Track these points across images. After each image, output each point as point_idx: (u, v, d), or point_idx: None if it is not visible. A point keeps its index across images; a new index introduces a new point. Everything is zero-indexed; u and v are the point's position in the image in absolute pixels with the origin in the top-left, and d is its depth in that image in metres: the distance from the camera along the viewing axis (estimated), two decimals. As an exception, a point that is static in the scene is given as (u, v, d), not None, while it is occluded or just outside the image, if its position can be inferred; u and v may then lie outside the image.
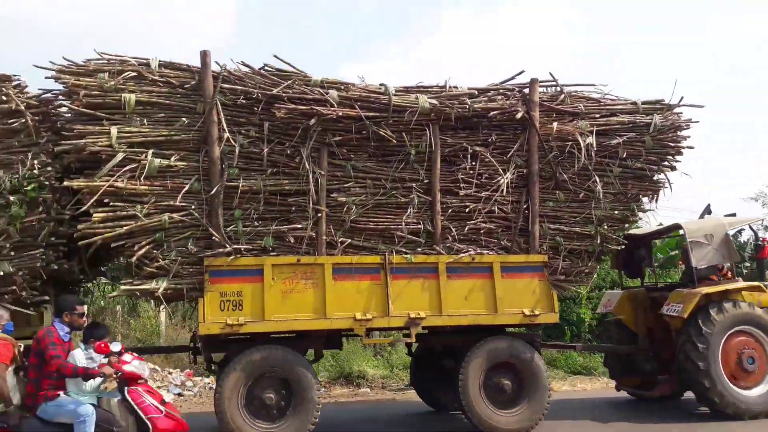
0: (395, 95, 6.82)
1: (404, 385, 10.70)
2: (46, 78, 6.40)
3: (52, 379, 5.00)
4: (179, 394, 10.39)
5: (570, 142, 7.36)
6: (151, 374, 10.79)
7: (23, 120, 6.15)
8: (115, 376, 5.03)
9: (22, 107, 6.16)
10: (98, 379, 5.02)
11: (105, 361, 5.19)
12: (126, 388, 5.27)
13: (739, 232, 16.33)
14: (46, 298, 6.41)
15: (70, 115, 6.35)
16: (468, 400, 6.78)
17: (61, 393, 5.01)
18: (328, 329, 6.73)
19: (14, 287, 6.05)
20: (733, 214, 8.73)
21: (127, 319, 12.94)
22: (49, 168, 6.12)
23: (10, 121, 6.16)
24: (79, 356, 5.16)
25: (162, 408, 5.35)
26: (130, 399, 5.25)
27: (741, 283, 8.13)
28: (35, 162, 6.07)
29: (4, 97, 6.14)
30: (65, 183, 6.04)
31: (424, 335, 7.12)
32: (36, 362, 5.04)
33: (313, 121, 6.53)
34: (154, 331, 12.47)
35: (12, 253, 6.05)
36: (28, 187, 5.99)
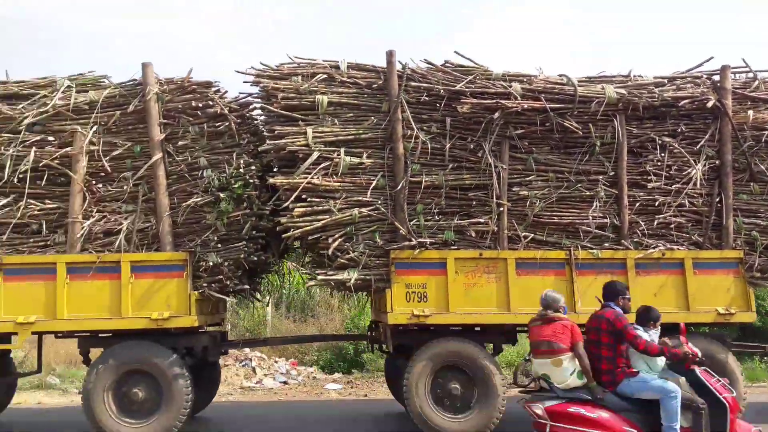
0: (580, 86, 6.65)
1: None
2: (244, 82, 6.89)
3: (623, 357, 5.29)
4: (284, 383, 10.87)
5: (766, 131, 6.84)
6: (258, 362, 11.41)
7: (227, 123, 6.63)
8: (692, 355, 5.14)
9: (226, 111, 6.63)
10: (663, 358, 5.20)
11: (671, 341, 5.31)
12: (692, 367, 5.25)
13: None
14: (246, 286, 6.89)
15: (266, 116, 6.74)
16: None
17: (641, 371, 5.23)
18: (511, 323, 6.73)
19: (221, 277, 6.56)
20: None
21: (236, 309, 13.43)
22: (253, 167, 6.56)
23: (217, 124, 6.64)
24: (645, 336, 5.28)
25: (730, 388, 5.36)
26: (702, 378, 5.23)
27: None
28: (240, 161, 6.53)
29: (210, 102, 6.63)
30: (270, 180, 6.45)
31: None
32: (608, 341, 5.25)
33: (496, 114, 6.53)
34: (261, 321, 13.03)
35: (219, 245, 6.57)
36: (236, 185, 6.46)
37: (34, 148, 6.45)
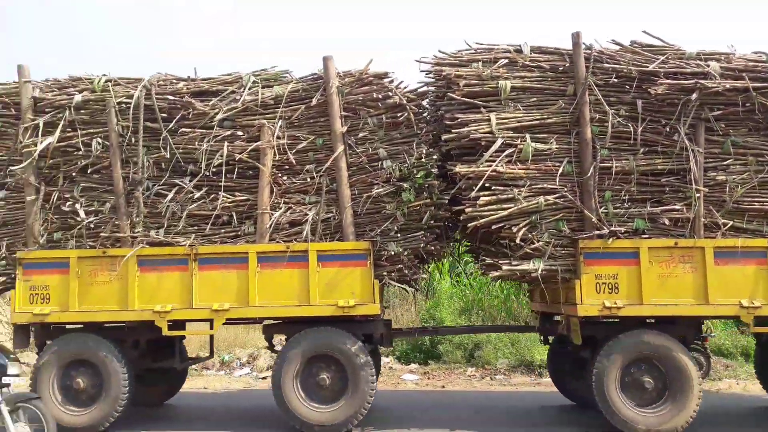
0: (787, 60, 6.19)
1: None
2: (421, 71, 6.88)
3: None
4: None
5: None
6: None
7: (405, 113, 6.64)
8: None
9: (404, 101, 6.65)
10: None
11: None
12: None
13: None
14: (424, 275, 6.91)
15: (446, 105, 6.69)
16: None
17: None
18: (710, 315, 6.40)
19: (401, 266, 6.61)
20: None
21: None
22: (434, 156, 6.55)
23: (395, 115, 6.67)
24: None
25: None
26: None
27: None
28: (421, 151, 6.53)
29: (389, 93, 6.67)
30: (455, 169, 6.41)
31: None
32: None
33: (694, 95, 6.18)
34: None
35: (398, 235, 6.61)
36: (418, 175, 6.47)
37: (226, 143, 6.71)
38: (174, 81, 6.96)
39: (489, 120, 6.39)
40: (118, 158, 6.79)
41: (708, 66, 6.24)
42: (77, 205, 6.81)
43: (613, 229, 6.30)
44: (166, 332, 6.64)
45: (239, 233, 6.77)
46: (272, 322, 7.15)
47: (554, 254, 6.40)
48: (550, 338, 8.04)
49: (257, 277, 6.60)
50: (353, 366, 6.49)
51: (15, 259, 6.82)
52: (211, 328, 6.71)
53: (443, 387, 9.85)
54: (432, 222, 6.65)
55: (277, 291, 6.61)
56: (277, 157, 6.76)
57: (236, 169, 6.78)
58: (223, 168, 6.70)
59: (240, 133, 6.80)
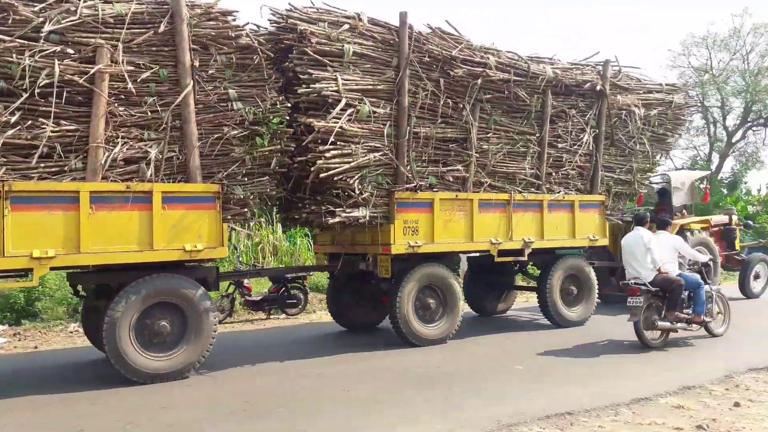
0: (531, 63, 8.56)
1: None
2: (269, 19, 7.01)
3: None
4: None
5: (623, 111, 9.78)
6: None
7: (257, 57, 6.76)
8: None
9: (256, 44, 6.74)
10: None
11: None
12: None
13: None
14: (261, 220, 7.25)
15: (297, 58, 7.02)
16: None
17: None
18: (473, 250, 8.56)
19: (246, 210, 6.86)
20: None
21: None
22: (288, 104, 6.89)
23: (249, 57, 6.71)
24: None
25: None
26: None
27: (695, 219, 11.57)
28: (277, 98, 6.79)
29: (242, 33, 6.65)
30: (315, 123, 6.88)
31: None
32: None
33: (479, 80, 8.04)
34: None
35: (245, 179, 6.81)
36: (274, 120, 6.74)
37: (56, 61, 5.68)
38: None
39: (336, 80, 7.05)
40: None
41: (488, 58, 8.15)
42: None
43: (420, 183, 7.80)
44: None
45: (64, 169, 5.90)
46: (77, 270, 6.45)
47: (376, 203, 7.57)
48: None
49: (90, 220, 5.93)
50: (197, 312, 6.52)
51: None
52: (30, 278, 5.76)
53: (36, 348, 8.80)
54: (277, 168, 7.01)
55: (114, 235, 6.08)
56: (113, 86, 6.06)
57: (64, 94, 5.82)
58: (53, 90, 5.69)
59: (71, 51, 5.83)
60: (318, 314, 11.42)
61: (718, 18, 50.84)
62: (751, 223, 14.86)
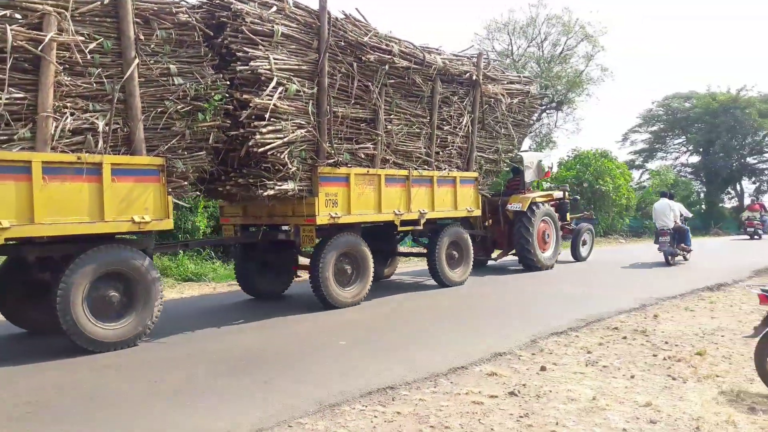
0: (425, 53, 9.74)
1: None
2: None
3: None
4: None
5: (492, 99, 11.43)
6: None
7: (194, 33, 7.06)
8: None
9: (194, 21, 7.04)
10: None
11: None
12: None
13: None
14: (198, 193, 7.55)
15: (231, 36, 7.40)
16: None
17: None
18: (381, 221, 9.53)
19: (186, 183, 7.15)
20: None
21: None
22: (227, 81, 7.26)
23: (187, 34, 6.98)
24: None
25: None
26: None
27: (541, 193, 13.78)
28: (217, 75, 7.14)
29: (181, 9, 6.90)
30: (246, 97, 7.32)
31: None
32: None
33: (386, 66, 9.03)
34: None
35: (185, 152, 7.10)
36: (216, 97, 7.09)
37: (8, 26, 5.55)
38: None
39: (268, 59, 7.58)
40: None
41: (392, 46, 9.16)
42: None
43: (340, 159, 8.59)
44: None
45: (14, 138, 5.79)
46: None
47: (301, 177, 8.21)
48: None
49: (42, 191, 5.90)
50: (145, 282, 6.71)
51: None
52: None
53: None
54: (214, 143, 7.36)
55: (67, 207, 6.09)
56: (60, 55, 6.04)
57: (10, 60, 5.70)
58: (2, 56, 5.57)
59: (18, 16, 5.72)
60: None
61: (517, 6, 56.78)
62: (578, 198, 17.84)
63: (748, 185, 39.67)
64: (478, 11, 59.93)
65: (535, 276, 12.47)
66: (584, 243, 15.69)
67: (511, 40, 29.94)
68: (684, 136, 39.75)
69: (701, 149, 38.70)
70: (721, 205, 38.13)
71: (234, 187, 8.09)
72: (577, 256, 15.35)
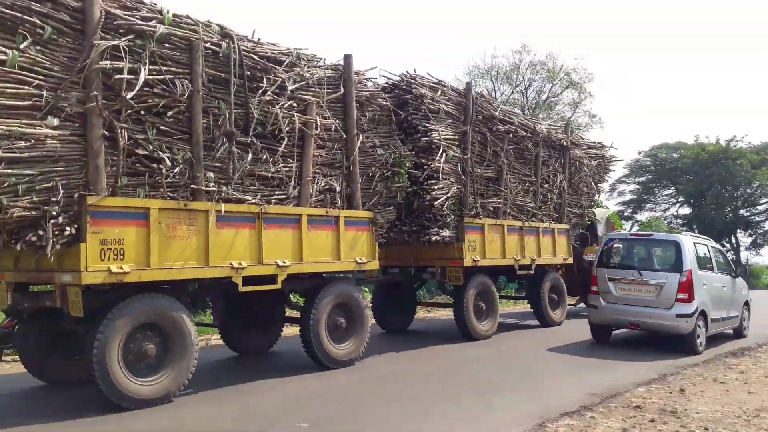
0: (534, 122, 12.07)
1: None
2: (387, 82, 9.55)
3: None
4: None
5: (576, 161, 13.72)
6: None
7: (390, 114, 9.26)
8: None
9: (389, 104, 9.25)
10: None
11: None
12: None
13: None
14: (384, 239, 9.55)
15: (412, 113, 9.63)
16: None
17: None
18: (501, 265, 11.58)
19: (382, 231, 9.18)
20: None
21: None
22: (413, 151, 9.43)
23: (384, 114, 9.16)
24: None
25: None
26: None
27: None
28: (401, 145, 9.31)
29: (381, 94, 9.11)
30: (426, 162, 9.48)
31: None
32: None
33: (510, 135, 11.31)
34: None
35: (381, 207, 9.15)
36: (407, 164, 9.24)
37: (295, 113, 7.69)
38: (249, 39, 7.34)
39: (438, 131, 9.79)
40: (200, 106, 6.76)
41: (513, 119, 11.47)
42: (161, 151, 6.41)
43: (478, 211, 10.69)
44: (241, 288, 7.09)
45: (289, 196, 7.81)
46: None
47: (453, 226, 10.29)
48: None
49: (307, 237, 7.88)
50: (360, 309, 8.61)
51: (80, 205, 5.83)
52: (275, 283, 7.51)
53: None
54: (399, 200, 9.45)
55: (319, 249, 8.06)
56: (314, 132, 8.15)
57: (288, 137, 7.77)
58: (294, 135, 7.71)
59: (295, 104, 7.85)
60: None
61: (499, 52, 55.45)
62: None
63: (743, 238, 40.70)
64: (458, 55, 63.08)
65: (541, 333, 12.08)
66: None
67: (494, 86, 30.66)
68: (673, 187, 40.80)
69: (692, 200, 39.74)
70: (716, 258, 38.72)
71: (405, 234, 10.10)
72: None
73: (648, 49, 78.39)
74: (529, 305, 13.15)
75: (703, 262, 10.36)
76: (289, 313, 9.68)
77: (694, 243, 10.37)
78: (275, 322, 9.58)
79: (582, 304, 15.82)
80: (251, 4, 67.54)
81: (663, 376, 7.82)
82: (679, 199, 41.78)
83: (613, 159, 15.11)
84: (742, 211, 39.76)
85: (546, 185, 12.79)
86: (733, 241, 40.33)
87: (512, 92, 31.11)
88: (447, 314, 15.34)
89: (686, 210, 41.72)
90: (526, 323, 13.42)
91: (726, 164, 36.35)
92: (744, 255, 39.92)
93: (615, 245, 10.67)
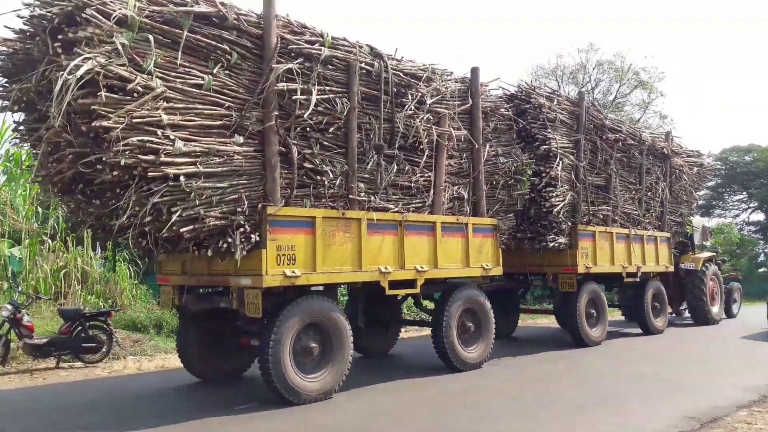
0: (640, 131, 12.24)
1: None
2: (506, 92, 9.95)
3: None
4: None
5: (678, 169, 13.79)
6: None
7: (511, 123, 9.65)
8: None
9: (511, 113, 9.64)
10: None
11: None
12: None
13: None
14: (503, 246, 9.93)
15: (530, 121, 10.00)
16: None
17: None
18: (613, 272, 11.79)
19: (504, 237, 9.55)
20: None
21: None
22: (533, 159, 9.80)
23: (507, 124, 9.57)
24: None
25: None
26: None
27: (709, 254, 15.85)
28: (521, 153, 9.68)
29: (504, 105, 9.52)
30: (544, 169, 9.83)
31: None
32: None
33: (620, 143, 11.53)
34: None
35: (503, 215, 9.54)
36: (528, 172, 9.61)
37: (433, 126, 8.19)
38: (392, 57, 7.88)
39: (555, 139, 10.12)
40: (355, 122, 7.31)
41: (621, 127, 11.68)
42: (324, 164, 6.99)
43: (590, 218, 10.95)
44: (388, 291, 7.61)
45: (425, 205, 8.29)
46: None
47: (567, 233, 10.58)
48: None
49: (440, 244, 8.34)
50: (486, 313, 9.01)
51: (261, 214, 6.45)
52: (414, 287, 8.00)
53: None
54: (519, 207, 9.81)
55: (451, 255, 8.51)
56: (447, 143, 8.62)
57: (423, 148, 8.25)
58: (433, 146, 8.19)
59: (430, 117, 8.34)
60: (124, 362, 9.78)
61: (565, 51, 52.08)
62: (726, 259, 19.81)
63: None
64: (523, 56, 62.34)
65: (626, 345, 11.48)
66: (734, 301, 17.56)
67: (559, 85, 29.75)
68: (745, 192, 39.64)
69: (766, 206, 38.70)
70: (788, 267, 37.23)
71: (525, 241, 10.45)
72: (729, 314, 17.14)
73: (718, 45, 76.03)
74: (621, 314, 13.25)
75: None
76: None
77: None
78: (396, 323, 10.09)
79: (686, 313, 15.71)
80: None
81: (764, 398, 7.07)
82: (751, 205, 40.56)
83: (712, 167, 15.05)
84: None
85: (649, 193, 12.91)
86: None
87: (578, 92, 30.24)
88: (538, 322, 15.64)
89: (759, 216, 40.53)
90: (626, 331, 13.54)
91: (801, 168, 34.95)
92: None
93: None
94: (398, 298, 9.30)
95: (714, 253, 16.63)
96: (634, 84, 29.99)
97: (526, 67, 57.05)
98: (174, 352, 9.37)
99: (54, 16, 5.62)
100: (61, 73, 5.18)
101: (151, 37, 5.76)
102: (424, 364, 9.07)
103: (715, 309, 15.40)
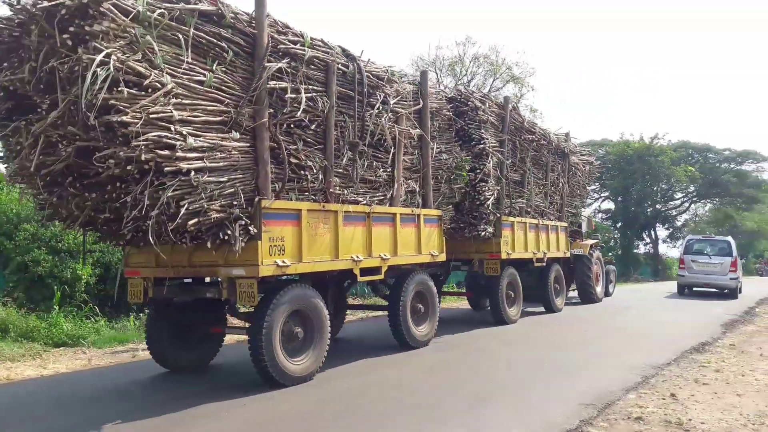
0: (549, 133, 13.51)
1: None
2: (449, 96, 10.68)
3: None
4: None
5: (574, 167, 15.31)
6: None
7: (452, 123, 10.42)
8: None
9: (452, 114, 10.41)
10: None
11: None
12: None
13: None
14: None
15: (467, 123, 10.78)
16: None
17: None
18: (531, 258, 12.96)
19: (445, 227, 10.33)
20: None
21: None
22: (469, 155, 10.62)
23: (448, 124, 10.31)
24: None
25: None
26: None
27: (593, 241, 17.69)
28: (463, 151, 10.48)
29: (446, 107, 10.25)
30: (478, 166, 10.69)
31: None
32: None
33: (535, 143, 12.69)
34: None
35: (443, 207, 10.31)
36: (467, 167, 10.42)
37: (395, 125, 8.71)
38: (360, 59, 8.27)
39: (488, 139, 11.03)
40: (333, 120, 7.68)
41: (535, 129, 12.84)
42: (308, 160, 7.32)
43: (512, 209, 12.02)
44: (359, 279, 8.10)
45: (387, 197, 8.82)
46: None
47: (494, 223, 11.56)
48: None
49: (399, 233, 8.93)
50: (433, 297, 9.75)
51: (255, 207, 6.68)
52: (379, 273, 8.53)
53: None
54: (458, 200, 10.61)
55: (406, 244, 9.13)
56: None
57: (388, 146, 8.78)
58: (396, 143, 8.72)
59: (391, 116, 8.86)
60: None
61: (444, 43, 54.20)
62: (603, 246, 22.11)
63: (662, 231, 43.57)
64: (402, 47, 63.85)
65: (502, 331, 11.48)
66: (611, 282, 19.67)
67: (438, 77, 30.52)
68: (597, 183, 41.53)
69: (619, 196, 41.65)
70: (635, 251, 41.11)
71: (464, 230, 11.25)
72: (608, 293, 19.17)
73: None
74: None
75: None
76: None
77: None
78: (342, 310, 10.55)
79: (574, 293, 17.40)
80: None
81: (646, 379, 7.38)
82: (602, 194, 43.54)
83: (599, 165, 16.83)
84: (659, 206, 42.34)
85: (552, 188, 14.27)
86: (653, 235, 43.08)
87: (455, 85, 30.06)
88: (453, 304, 16.61)
89: (610, 204, 43.88)
90: (530, 310, 14.89)
91: (649, 161, 38.02)
92: (662, 248, 43.15)
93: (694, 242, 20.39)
94: (345, 285, 9.75)
95: (597, 240, 18.56)
96: (507, 78, 31.10)
97: (405, 58, 58.55)
98: (29, 359, 9.05)
99: (62, 8, 5.51)
100: (92, 66, 5.14)
101: (159, 33, 5.82)
102: (370, 345, 9.62)
103: (599, 289, 17.25)
